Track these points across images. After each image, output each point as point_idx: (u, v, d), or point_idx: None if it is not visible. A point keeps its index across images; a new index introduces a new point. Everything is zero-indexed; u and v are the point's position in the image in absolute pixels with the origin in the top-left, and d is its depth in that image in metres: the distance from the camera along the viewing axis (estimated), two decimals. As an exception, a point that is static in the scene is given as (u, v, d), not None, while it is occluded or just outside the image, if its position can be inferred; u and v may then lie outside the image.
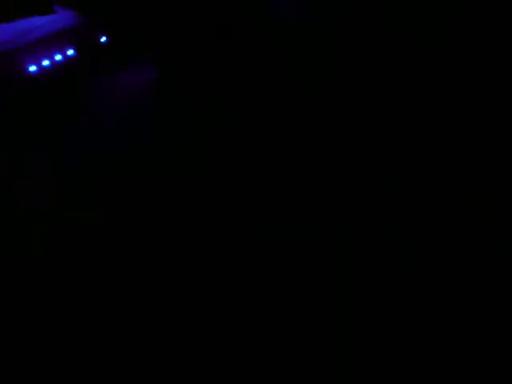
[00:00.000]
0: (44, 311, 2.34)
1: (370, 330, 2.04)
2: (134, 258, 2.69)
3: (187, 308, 2.33)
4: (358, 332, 2.03)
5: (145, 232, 2.85)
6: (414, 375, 1.82)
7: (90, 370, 2.00)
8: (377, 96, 3.78)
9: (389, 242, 2.60)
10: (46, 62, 4.26)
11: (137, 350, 2.08)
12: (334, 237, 2.70)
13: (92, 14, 4.58)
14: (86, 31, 4.54)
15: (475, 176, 3.08)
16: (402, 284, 2.30)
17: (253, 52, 4.63)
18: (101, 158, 3.74)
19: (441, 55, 3.92)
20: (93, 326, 2.23)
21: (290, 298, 2.33)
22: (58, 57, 4.36)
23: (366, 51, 4.25)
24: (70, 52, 4.42)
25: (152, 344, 2.16)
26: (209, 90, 4.23)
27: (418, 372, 1.82)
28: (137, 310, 2.36)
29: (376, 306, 2.17)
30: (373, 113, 3.64)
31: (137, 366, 2.07)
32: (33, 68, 4.16)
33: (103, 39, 4.70)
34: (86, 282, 2.48)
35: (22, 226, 2.97)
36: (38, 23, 4.25)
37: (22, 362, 2.06)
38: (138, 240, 2.78)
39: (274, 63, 4.44)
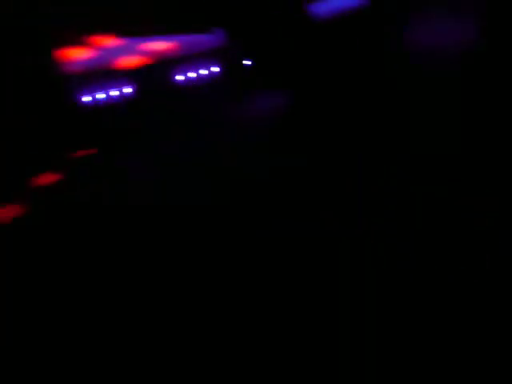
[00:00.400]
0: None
1: (369, 329, 2.09)
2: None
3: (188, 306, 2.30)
4: (357, 332, 2.07)
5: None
6: (414, 375, 1.84)
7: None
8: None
9: (389, 241, 2.70)
10: (192, 74, 4.46)
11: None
12: (334, 237, 2.77)
13: (242, 39, 4.74)
14: (233, 53, 4.70)
15: (475, 176, 3.21)
16: (401, 284, 2.36)
17: (393, 104, 4.41)
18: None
19: None
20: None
21: (289, 298, 2.29)
22: (204, 71, 4.55)
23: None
24: (216, 69, 4.60)
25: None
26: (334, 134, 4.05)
27: (417, 372, 1.85)
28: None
29: (376, 306, 2.22)
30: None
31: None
32: (180, 77, 4.37)
33: (247, 62, 4.83)
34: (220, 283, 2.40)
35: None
36: (196, 40, 4.49)
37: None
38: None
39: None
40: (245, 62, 4.84)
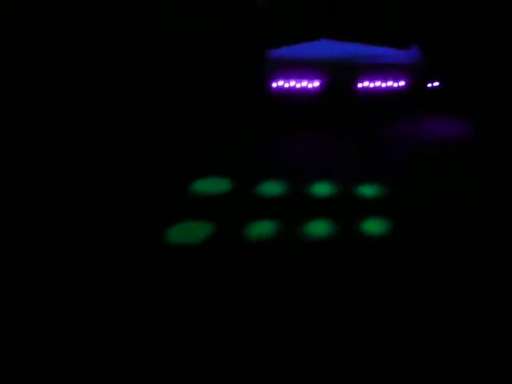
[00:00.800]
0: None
1: (370, 329, 2.12)
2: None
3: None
4: (358, 332, 2.11)
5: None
6: (414, 375, 1.87)
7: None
8: None
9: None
10: (378, 84, 4.74)
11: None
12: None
13: (436, 59, 4.72)
14: (424, 71, 4.73)
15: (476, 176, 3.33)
16: (402, 284, 2.41)
17: None
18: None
19: None
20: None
21: (290, 297, 2.37)
22: (390, 83, 4.76)
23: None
24: (401, 83, 4.74)
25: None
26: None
27: (417, 372, 1.88)
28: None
29: (376, 306, 2.26)
30: None
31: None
32: (365, 85, 4.71)
33: (435, 84, 4.79)
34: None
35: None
36: (390, 52, 4.73)
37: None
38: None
39: None
40: (433, 83, 4.81)
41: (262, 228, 3.01)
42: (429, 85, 4.80)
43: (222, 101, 4.27)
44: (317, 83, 4.61)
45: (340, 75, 4.59)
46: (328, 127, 4.62)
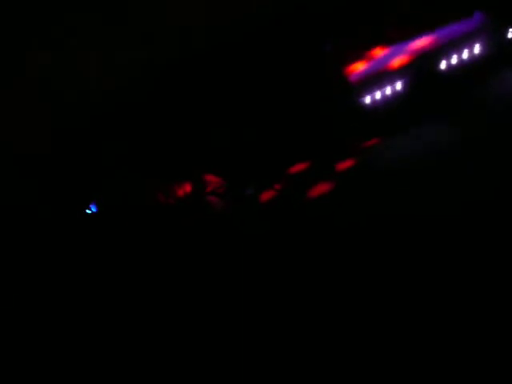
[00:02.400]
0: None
1: (370, 330, 2.14)
2: None
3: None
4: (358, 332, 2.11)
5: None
6: (414, 375, 1.84)
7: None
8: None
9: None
10: (455, 61, 4.84)
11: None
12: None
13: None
14: (495, 33, 4.77)
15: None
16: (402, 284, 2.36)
17: None
18: None
19: None
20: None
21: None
22: (466, 56, 4.83)
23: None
24: (480, 50, 4.80)
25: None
26: None
27: (417, 372, 1.84)
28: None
29: (376, 306, 2.24)
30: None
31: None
32: (444, 66, 4.83)
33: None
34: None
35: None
36: (455, 28, 4.85)
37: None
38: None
39: None
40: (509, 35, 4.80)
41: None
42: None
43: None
44: (399, 85, 4.81)
45: (421, 67, 4.77)
46: (427, 117, 4.75)
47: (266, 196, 4.70)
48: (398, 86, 4.81)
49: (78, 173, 4.29)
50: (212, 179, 4.51)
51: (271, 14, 4.33)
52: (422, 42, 4.83)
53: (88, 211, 4.21)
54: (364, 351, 2.23)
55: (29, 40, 3.96)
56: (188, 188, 4.62)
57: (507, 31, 4.80)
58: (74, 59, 4.28)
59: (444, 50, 4.80)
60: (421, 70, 4.77)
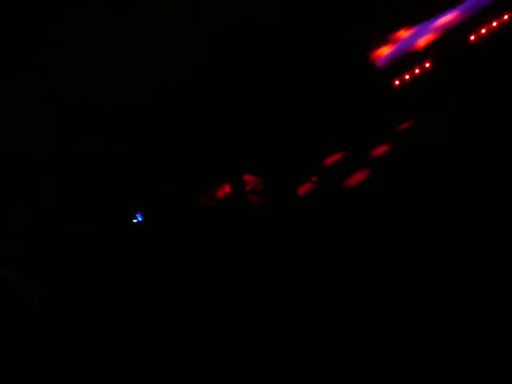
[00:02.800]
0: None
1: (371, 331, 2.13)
2: None
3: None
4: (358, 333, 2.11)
5: None
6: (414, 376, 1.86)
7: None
8: None
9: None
10: (483, 32, 4.72)
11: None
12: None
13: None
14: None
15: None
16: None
17: None
18: None
19: None
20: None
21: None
22: (494, 25, 4.70)
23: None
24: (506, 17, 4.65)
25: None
26: None
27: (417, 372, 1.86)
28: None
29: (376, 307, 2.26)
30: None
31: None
32: (472, 38, 4.72)
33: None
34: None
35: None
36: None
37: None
38: None
39: None
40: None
41: None
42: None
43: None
44: (427, 64, 4.74)
45: (445, 44, 4.68)
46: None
47: (304, 189, 4.75)
48: (427, 65, 4.74)
49: (122, 182, 4.48)
50: (250, 178, 4.61)
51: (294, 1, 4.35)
52: (447, 18, 4.74)
53: (134, 220, 4.41)
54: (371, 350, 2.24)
55: (29, 40, 4.03)
56: (227, 189, 4.74)
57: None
58: (74, 59, 4.33)
59: (472, 23, 4.69)
60: (450, 46, 4.68)
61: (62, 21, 4.00)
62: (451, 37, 4.68)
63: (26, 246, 4.10)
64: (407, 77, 4.75)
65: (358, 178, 4.66)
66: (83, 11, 4.04)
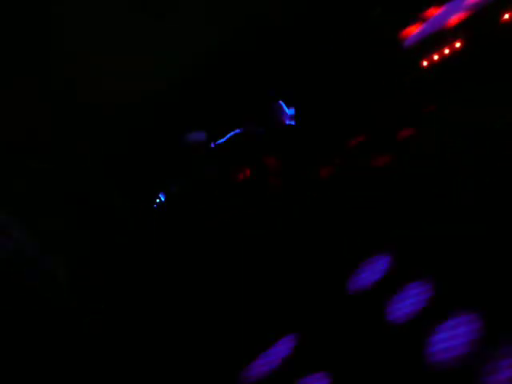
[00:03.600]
0: None
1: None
2: None
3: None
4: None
5: None
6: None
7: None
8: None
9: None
10: None
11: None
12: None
13: None
14: None
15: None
16: None
17: None
18: None
19: None
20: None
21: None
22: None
23: None
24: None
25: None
26: None
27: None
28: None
29: None
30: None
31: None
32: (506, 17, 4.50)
33: None
34: None
35: None
36: None
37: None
38: None
39: None
40: None
41: None
42: None
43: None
44: (458, 44, 4.57)
45: (478, 23, 4.49)
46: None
47: (326, 171, 4.71)
48: (457, 45, 4.57)
49: (147, 163, 4.54)
50: (271, 161, 4.59)
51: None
52: (480, -5, 4.54)
53: (157, 200, 4.50)
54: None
55: (29, 40, 4.05)
56: (248, 172, 4.75)
57: None
58: (75, 59, 4.37)
59: (506, 0, 4.48)
60: (482, 24, 4.49)
61: (62, 21, 4.00)
62: (484, 15, 4.49)
63: (59, 222, 4.23)
64: (436, 57, 4.61)
65: (382, 161, 4.59)
66: (83, 11, 4.03)
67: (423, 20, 4.57)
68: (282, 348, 2.54)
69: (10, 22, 3.88)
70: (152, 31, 4.37)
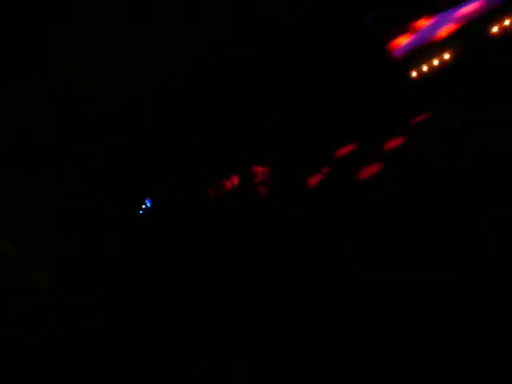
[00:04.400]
0: None
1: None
2: None
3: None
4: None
5: None
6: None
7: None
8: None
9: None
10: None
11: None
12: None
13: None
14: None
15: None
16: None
17: None
18: None
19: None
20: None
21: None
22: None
23: None
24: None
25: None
26: None
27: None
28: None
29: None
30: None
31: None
32: (495, 30, 4.52)
33: None
34: None
35: None
36: None
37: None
38: None
39: None
40: None
41: None
42: None
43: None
44: (447, 55, 4.57)
45: (466, 36, 4.50)
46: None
47: (314, 180, 4.67)
48: (447, 56, 4.58)
49: (133, 169, 4.48)
50: (259, 169, 4.55)
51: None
52: (470, 8, 4.56)
53: (143, 206, 4.43)
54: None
55: (29, 40, 4.02)
56: (235, 180, 4.70)
57: None
58: (75, 59, 4.35)
59: (495, 13, 4.50)
60: (471, 37, 4.50)
61: (62, 21, 3.99)
62: (473, 27, 4.51)
63: (41, 232, 4.15)
64: (425, 69, 4.61)
65: (370, 171, 4.56)
66: (83, 12, 4.02)
67: (413, 31, 4.57)
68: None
69: (10, 22, 3.87)
70: (152, 32, 4.35)
